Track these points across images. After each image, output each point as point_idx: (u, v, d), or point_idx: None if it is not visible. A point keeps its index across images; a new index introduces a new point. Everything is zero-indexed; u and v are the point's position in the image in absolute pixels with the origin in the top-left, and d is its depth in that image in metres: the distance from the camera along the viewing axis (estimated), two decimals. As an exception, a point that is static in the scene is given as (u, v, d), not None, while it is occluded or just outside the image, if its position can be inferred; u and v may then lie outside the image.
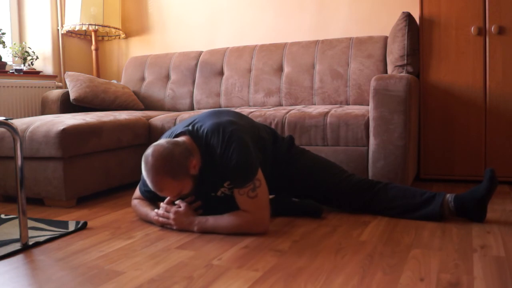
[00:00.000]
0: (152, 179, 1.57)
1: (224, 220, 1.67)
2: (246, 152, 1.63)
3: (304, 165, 1.95)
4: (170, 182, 1.56)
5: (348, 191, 1.89)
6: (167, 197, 1.75)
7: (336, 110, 2.35)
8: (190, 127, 1.72)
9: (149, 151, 1.59)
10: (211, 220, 1.69)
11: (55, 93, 3.11)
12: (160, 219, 1.76)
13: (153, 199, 1.92)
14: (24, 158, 2.21)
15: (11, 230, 1.79)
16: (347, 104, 2.80)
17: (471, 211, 1.73)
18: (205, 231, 1.69)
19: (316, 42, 3.00)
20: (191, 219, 1.71)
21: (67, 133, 2.16)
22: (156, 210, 1.80)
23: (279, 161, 1.93)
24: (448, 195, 1.78)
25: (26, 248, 1.58)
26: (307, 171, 1.93)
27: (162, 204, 1.79)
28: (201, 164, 1.66)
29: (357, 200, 1.89)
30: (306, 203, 1.91)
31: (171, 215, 1.72)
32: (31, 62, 3.51)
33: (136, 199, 1.96)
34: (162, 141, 1.63)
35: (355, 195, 1.89)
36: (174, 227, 1.73)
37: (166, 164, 1.55)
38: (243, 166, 1.61)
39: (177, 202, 1.76)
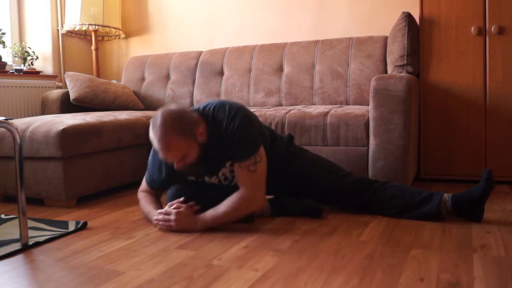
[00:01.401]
0: (160, 135, 1.58)
1: (221, 207, 1.69)
2: (250, 126, 1.70)
3: (302, 163, 1.95)
4: (178, 139, 1.59)
5: (346, 189, 1.89)
6: (172, 176, 1.79)
7: (336, 110, 2.35)
8: (196, 108, 1.77)
9: (158, 112, 1.64)
10: (210, 212, 1.71)
11: (55, 93, 3.11)
12: (160, 223, 1.74)
13: (158, 188, 1.91)
14: (24, 158, 2.21)
15: (11, 230, 1.79)
16: (347, 104, 2.80)
17: (468, 211, 1.73)
18: (207, 226, 1.70)
19: (316, 42, 3.00)
20: (192, 219, 1.72)
21: (67, 133, 2.16)
22: (158, 211, 1.78)
23: (277, 160, 1.93)
24: (445, 195, 1.78)
25: (26, 248, 1.57)
26: (305, 170, 1.94)
27: (160, 211, 1.77)
28: (206, 138, 1.68)
29: (355, 198, 1.89)
30: (306, 203, 1.91)
31: (172, 216, 1.71)
32: (31, 62, 3.51)
33: (142, 192, 1.94)
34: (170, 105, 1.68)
35: (353, 193, 1.89)
36: (174, 228, 1.71)
37: (175, 121, 1.59)
38: (247, 139, 1.67)
39: (174, 207, 1.73)
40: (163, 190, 1.94)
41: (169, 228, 1.73)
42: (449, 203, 1.76)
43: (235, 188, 1.73)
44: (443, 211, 1.77)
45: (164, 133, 1.58)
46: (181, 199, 1.75)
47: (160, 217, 1.74)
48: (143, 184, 1.96)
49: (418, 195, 1.82)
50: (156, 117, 1.62)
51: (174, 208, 1.72)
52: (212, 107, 1.73)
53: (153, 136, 1.61)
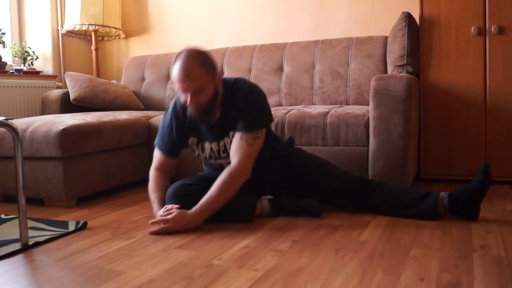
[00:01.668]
0: (183, 64, 1.68)
1: (213, 187, 1.72)
2: (263, 103, 1.83)
3: (300, 162, 1.97)
4: (199, 69, 1.69)
5: (343, 186, 1.90)
6: (182, 138, 1.87)
7: (336, 110, 2.35)
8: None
9: (183, 48, 1.74)
10: (203, 199, 1.72)
11: (55, 93, 3.11)
12: (156, 227, 1.72)
13: (169, 153, 1.92)
14: (24, 158, 2.20)
15: (11, 230, 1.79)
16: (347, 104, 2.80)
17: (465, 208, 1.73)
18: (204, 213, 1.71)
19: (316, 42, 3.00)
20: (189, 214, 1.71)
21: (67, 133, 2.16)
22: (152, 221, 1.74)
23: (278, 159, 1.95)
24: (442, 193, 1.78)
25: (26, 248, 1.58)
26: (303, 167, 1.95)
27: (153, 221, 1.75)
28: (221, 100, 1.79)
29: (352, 195, 1.90)
30: (306, 202, 1.91)
31: (170, 217, 1.69)
32: (31, 62, 3.50)
33: (153, 172, 1.93)
34: None
35: (350, 190, 1.90)
36: (172, 228, 1.69)
37: (200, 54, 1.72)
38: (257, 113, 1.79)
39: (166, 213, 1.73)
40: (174, 159, 1.94)
41: (166, 229, 1.70)
42: (446, 199, 1.76)
43: None
44: (440, 210, 1.77)
45: (187, 61, 1.68)
46: (176, 206, 1.74)
47: (158, 218, 1.73)
48: (155, 157, 1.96)
49: (415, 193, 1.83)
50: (181, 51, 1.72)
51: (166, 214, 1.71)
52: (233, 78, 1.85)
53: (176, 66, 1.70)
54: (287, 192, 1.98)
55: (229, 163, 1.82)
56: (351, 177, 1.92)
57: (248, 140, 1.75)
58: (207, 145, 1.87)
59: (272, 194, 2.02)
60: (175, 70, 1.70)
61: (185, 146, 1.94)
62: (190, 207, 1.74)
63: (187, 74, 1.67)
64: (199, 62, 1.70)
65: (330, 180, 1.92)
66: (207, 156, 1.90)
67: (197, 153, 1.93)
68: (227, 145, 1.84)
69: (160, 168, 1.94)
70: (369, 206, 1.89)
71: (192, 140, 1.91)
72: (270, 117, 1.87)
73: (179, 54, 1.72)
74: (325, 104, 2.81)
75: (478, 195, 1.72)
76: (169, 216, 1.70)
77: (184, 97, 1.73)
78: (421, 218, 1.79)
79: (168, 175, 1.96)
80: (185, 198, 1.78)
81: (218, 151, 1.86)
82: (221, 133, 1.84)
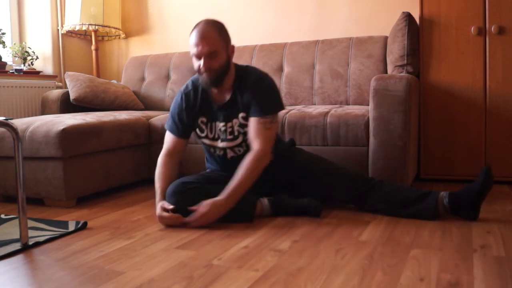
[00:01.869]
0: (200, 27, 1.79)
1: (238, 173, 1.77)
2: (276, 90, 1.90)
3: (300, 161, 2.00)
4: (215, 33, 1.79)
5: (344, 182, 1.91)
6: (193, 119, 1.94)
7: (336, 110, 2.35)
8: None
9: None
10: (231, 184, 1.76)
11: (55, 93, 3.11)
12: (164, 215, 1.76)
13: (179, 134, 1.96)
14: (24, 158, 2.20)
15: (11, 230, 1.79)
16: (347, 104, 2.80)
17: (465, 208, 1.73)
18: (234, 196, 1.75)
19: (316, 42, 3.00)
20: (219, 201, 1.74)
21: (67, 133, 2.16)
22: (161, 204, 1.79)
23: (280, 158, 1.96)
24: (442, 192, 1.78)
25: (26, 248, 1.58)
26: (304, 168, 1.98)
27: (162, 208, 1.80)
28: (234, 81, 1.88)
29: (352, 192, 1.89)
30: (305, 202, 1.91)
31: (203, 210, 1.72)
32: (31, 62, 3.50)
33: (161, 159, 1.97)
34: None
35: (350, 186, 1.90)
36: (210, 219, 1.74)
37: (215, 22, 1.84)
38: (272, 98, 1.87)
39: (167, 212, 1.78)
40: (185, 140, 1.98)
41: (204, 223, 1.74)
42: (446, 199, 1.76)
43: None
44: (441, 209, 1.77)
45: (204, 27, 1.79)
46: (171, 207, 1.78)
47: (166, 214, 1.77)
48: (165, 141, 2.00)
49: (415, 193, 1.83)
50: (199, 21, 1.84)
51: (162, 210, 1.76)
52: (245, 64, 1.97)
53: (192, 33, 1.80)
54: (287, 192, 1.98)
55: (232, 146, 1.90)
56: (350, 174, 1.93)
57: (265, 125, 1.83)
58: (216, 124, 1.92)
59: (272, 194, 2.02)
60: (192, 36, 1.80)
61: (195, 128, 1.97)
62: (190, 205, 1.76)
63: (202, 37, 1.77)
64: (214, 28, 1.80)
65: (330, 177, 1.92)
66: (215, 136, 1.93)
67: (204, 133, 1.95)
68: (234, 126, 1.89)
69: (170, 153, 1.97)
70: (369, 204, 1.89)
71: (201, 119, 1.95)
72: (282, 104, 1.93)
73: (197, 23, 1.84)
74: (325, 104, 2.81)
75: (479, 196, 1.72)
76: (201, 210, 1.73)
77: (197, 64, 1.81)
78: (421, 217, 1.79)
79: (177, 159, 1.99)
80: (185, 195, 1.79)
81: (225, 131, 1.90)
82: (231, 114, 1.89)
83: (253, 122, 1.84)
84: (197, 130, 1.97)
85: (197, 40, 1.78)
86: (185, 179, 1.89)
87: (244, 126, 1.89)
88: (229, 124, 1.90)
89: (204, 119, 1.94)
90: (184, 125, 1.95)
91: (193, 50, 1.80)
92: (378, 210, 1.88)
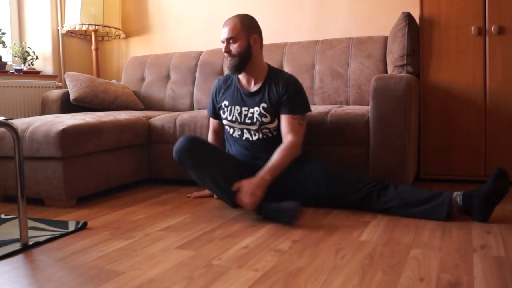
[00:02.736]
0: (231, 17, 2.08)
1: (274, 156, 1.95)
2: (305, 93, 2.11)
3: (312, 162, 2.06)
4: (236, 23, 2.04)
5: (356, 181, 1.92)
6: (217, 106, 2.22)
7: (336, 110, 2.35)
8: None
9: None
10: (267, 165, 1.92)
11: (55, 93, 3.11)
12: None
13: (214, 116, 2.28)
14: (24, 158, 2.20)
15: (11, 230, 1.79)
16: (347, 104, 2.80)
17: (477, 207, 1.72)
18: (269, 173, 1.89)
19: (316, 42, 3.00)
20: (255, 179, 1.86)
21: (67, 133, 2.16)
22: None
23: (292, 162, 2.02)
24: (455, 193, 1.77)
25: (26, 248, 1.58)
26: (315, 169, 2.01)
27: None
28: (266, 75, 2.09)
29: (365, 190, 1.89)
30: (282, 207, 1.81)
31: (245, 188, 1.83)
32: (31, 62, 3.51)
33: (210, 135, 2.34)
34: None
35: (363, 186, 1.90)
36: (250, 194, 1.82)
37: (244, 15, 2.10)
38: (304, 99, 2.08)
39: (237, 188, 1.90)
40: (219, 122, 2.28)
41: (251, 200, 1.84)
42: (460, 197, 1.75)
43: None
44: (454, 209, 1.76)
45: (231, 17, 2.08)
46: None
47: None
48: (210, 122, 2.36)
49: (428, 192, 1.82)
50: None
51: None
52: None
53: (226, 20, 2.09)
54: (295, 194, 2.00)
55: (248, 129, 2.10)
56: (363, 175, 1.95)
57: (299, 121, 2.03)
58: (236, 108, 2.12)
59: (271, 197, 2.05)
60: (226, 20, 2.10)
61: (220, 110, 2.22)
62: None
63: (226, 25, 2.05)
64: (238, 19, 2.05)
65: (342, 177, 1.95)
66: (233, 119, 2.13)
67: (224, 115, 2.17)
68: (255, 113, 2.07)
69: (214, 131, 2.33)
70: (380, 203, 1.86)
71: (224, 103, 2.17)
72: (309, 106, 2.12)
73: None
74: (325, 104, 2.81)
75: (491, 197, 1.71)
76: (245, 186, 1.84)
77: (223, 39, 2.07)
78: (433, 216, 1.77)
79: (221, 135, 2.33)
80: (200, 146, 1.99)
81: (246, 115, 2.09)
82: (254, 102, 2.09)
83: (287, 118, 2.03)
84: (221, 112, 2.20)
85: (223, 26, 2.07)
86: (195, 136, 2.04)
87: (262, 116, 2.06)
88: (251, 110, 2.09)
89: (227, 102, 2.16)
90: (215, 107, 2.24)
91: (221, 37, 2.09)
92: (389, 209, 1.86)
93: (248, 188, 1.84)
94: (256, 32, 2.08)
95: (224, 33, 2.05)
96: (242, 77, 2.14)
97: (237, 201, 1.86)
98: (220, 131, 2.32)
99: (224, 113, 2.17)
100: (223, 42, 2.07)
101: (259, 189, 1.84)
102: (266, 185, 1.87)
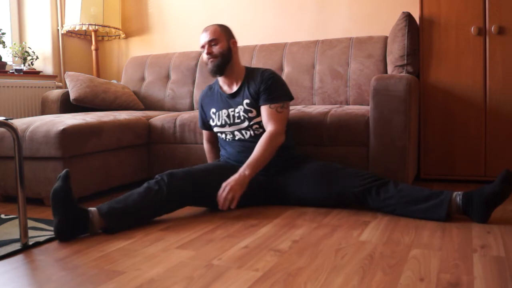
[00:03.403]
0: (210, 25, 2.16)
1: (255, 150, 1.98)
2: (283, 82, 2.15)
3: (312, 162, 2.08)
4: (216, 27, 2.14)
5: (357, 174, 1.91)
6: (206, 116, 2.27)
7: (336, 110, 2.35)
8: None
9: None
10: (248, 160, 1.95)
11: (55, 93, 3.11)
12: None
13: (205, 127, 2.33)
14: (24, 158, 2.20)
15: (11, 230, 1.79)
16: (347, 104, 2.80)
17: (476, 208, 1.71)
18: (249, 168, 1.93)
19: (316, 42, 3.00)
20: (236, 175, 1.91)
21: (67, 133, 2.16)
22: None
23: (289, 163, 2.05)
24: (455, 193, 1.77)
25: (26, 248, 1.58)
26: (316, 166, 2.03)
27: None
28: (244, 75, 2.15)
29: (366, 183, 1.87)
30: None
31: (227, 187, 1.89)
32: (31, 62, 3.51)
33: (205, 145, 2.39)
34: None
35: (364, 179, 1.89)
36: (233, 191, 1.88)
37: (220, 24, 2.19)
38: (280, 88, 2.09)
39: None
40: (211, 132, 2.32)
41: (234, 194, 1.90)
42: (459, 197, 1.74)
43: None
44: (453, 208, 1.75)
45: (211, 24, 2.16)
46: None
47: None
48: (204, 133, 2.38)
49: (429, 190, 1.81)
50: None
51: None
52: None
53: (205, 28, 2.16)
54: (295, 196, 2.03)
55: (239, 129, 2.12)
56: (363, 171, 1.96)
57: (276, 108, 2.04)
58: (223, 112, 2.16)
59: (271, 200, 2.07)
60: (205, 28, 2.16)
61: (209, 119, 2.25)
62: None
63: (205, 30, 2.13)
64: (217, 25, 2.15)
65: (343, 170, 1.96)
66: (222, 123, 2.16)
67: (214, 122, 2.20)
68: (240, 111, 2.11)
69: (208, 140, 2.38)
70: (380, 200, 1.84)
71: (212, 110, 2.21)
72: (290, 94, 2.14)
73: None
74: (325, 104, 2.81)
75: (491, 198, 1.69)
76: (227, 188, 1.89)
77: (204, 54, 2.13)
78: (432, 215, 1.76)
79: (216, 144, 2.35)
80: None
81: (234, 116, 2.13)
82: (237, 101, 2.13)
83: (265, 108, 2.05)
84: (210, 121, 2.23)
85: (202, 33, 2.14)
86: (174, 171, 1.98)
87: (248, 111, 2.10)
88: (236, 109, 2.12)
89: (214, 110, 2.20)
90: (204, 119, 2.30)
91: (201, 43, 2.13)
92: (388, 206, 1.84)
93: (226, 184, 1.90)
94: (234, 37, 2.19)
95: (205, 37, 2.12)
96: (222, 82, 2.20)
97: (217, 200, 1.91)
98: (214, 140, 2.36)
99: (213, 121, 2.21)
100: (203, 47, 2.13)
101: (237, 184, 1.89)
102: (247, 181, 1.92)
